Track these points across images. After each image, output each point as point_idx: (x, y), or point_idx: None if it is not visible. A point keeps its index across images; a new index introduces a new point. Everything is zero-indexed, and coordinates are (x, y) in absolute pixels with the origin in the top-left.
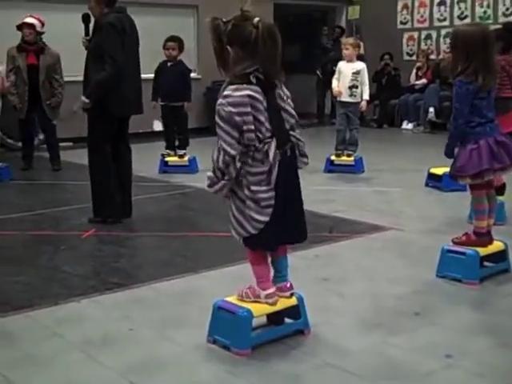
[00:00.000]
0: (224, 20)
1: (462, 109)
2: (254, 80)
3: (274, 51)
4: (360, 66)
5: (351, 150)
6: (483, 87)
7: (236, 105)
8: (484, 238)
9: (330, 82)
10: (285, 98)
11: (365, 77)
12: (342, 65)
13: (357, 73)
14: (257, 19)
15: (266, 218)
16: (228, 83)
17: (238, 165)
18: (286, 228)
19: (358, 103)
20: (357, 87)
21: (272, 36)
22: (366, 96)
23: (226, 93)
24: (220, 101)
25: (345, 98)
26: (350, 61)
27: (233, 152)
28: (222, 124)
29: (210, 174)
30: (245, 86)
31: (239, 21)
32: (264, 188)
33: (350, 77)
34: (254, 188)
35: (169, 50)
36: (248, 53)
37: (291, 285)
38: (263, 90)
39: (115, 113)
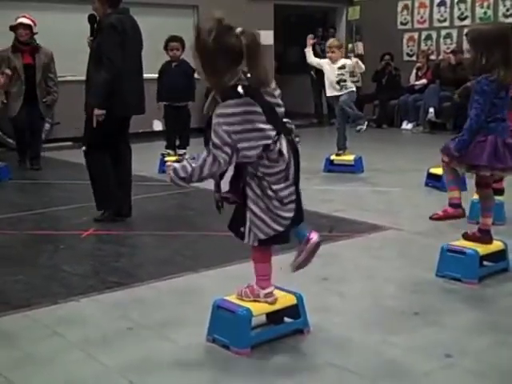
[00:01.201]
0: (206, 29)
1: (485, 106)
2: (241, 91)
3: (260, 60)
4: (343, 61)
5: (358, 124)
6: (502, 82)
7: (230, 124)
8: (459, 209)
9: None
10: (276, 93)
11: (352, 65)
12: (325, 64)
13: (342, 67)
14: (239, 29)
15: (290, 214)
16: (220, 99)
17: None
18: (296, 216)
19: (351, 92)
20: (345, 80)
21: (256, 45)
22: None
23: (219, 111)
24: (216, 120)
25: (336, 92)
26: (335, 60)
27: (222, 164)
28: (217, 142)
29: (188, 166)
30: (236, 101)
31: (221, 31)
32: (283, 185)
33: (336, 72)
34: (275, 187)
35: (173, 51)
36: (230, 63)
37: (314, 234)
38: (253, 97)
39: (116, 113)
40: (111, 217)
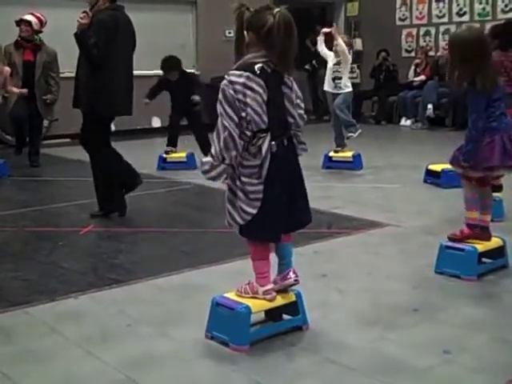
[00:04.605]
0: (251, 9)
1: (479, 113)
2: (258, 71)
3: (287, 43)
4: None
5: (349, 131)
6: (484, 89)
7: (236, 91)
8: (476, 229)
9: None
10: (292, 96)
11: (346, 57)
12: (329, 57)
13: (338, 63)
14: (277, 9)
15: (253, 211)
16: (235, 68)
17: (240, 148)
18: (287, 217)
19: (347, 93)
20: (340, 78)
21: (286, 26)
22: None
23: (229, 78)
24: (225, 82)
25: (330, 88)
26: (338, 56)
27: (233, 133)
28: (225, 105)
29: (207, 158)
30: (246, 74)
31: (262, 9)
32: (254, 181)
33: (332, 69)
34: (244, 179)
35: (174, 74)
36: (261, 40)
37: (294, 271)
38: (266, 83)
39: (103, 114)
40: (107, 214)
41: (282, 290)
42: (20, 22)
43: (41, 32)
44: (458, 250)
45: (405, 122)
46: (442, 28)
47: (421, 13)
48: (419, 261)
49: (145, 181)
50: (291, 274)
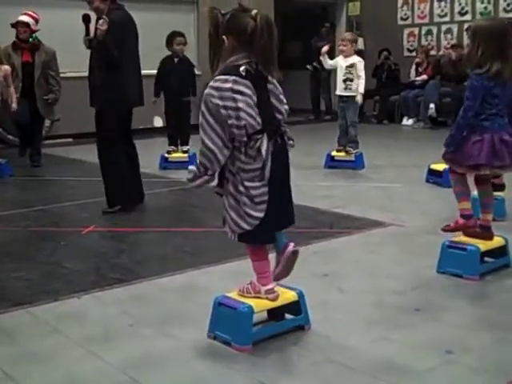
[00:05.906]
0: (222, 12)
1: (473, 102)
2: (243, 73)
3: (270, 44)
4: (355, 59)
5: (350, 146)
6: (498, 76)
7: (224, 98)
8: (471, 220)
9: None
10: (277, 92)
11: (360, 71)
12: (338, 62)
13: (351, 66)
14: (255, 11)
15: (260, 214)
16: (219, 73)
17: (222, 159)
18: (280, 217)
19: (354, 97)
20: (351, 80)
21: (269, 29)
22: (361, 89)
23: (215, 84)
24: (209, 91)
25: (340, 91)
26: (347, 56)
27: (211, 146)
28: (207, 115)
29: (192, 167)
30: (232, 78)
31: (237, 11)
32: (257, 184)
33: (344, 70)
34: (247, 184)
35: (180, 45)
36: (243, 44)
37: (291, 243)
38: (253, 84)
39: (118, 106)
40: (117, 210)
41: (285, 287)
42: (16, 25)
43: (38, 30)
44: (460, 250)
45: (407, 121)
46: (443, 27)
47: (422, 12)
48: (421, 260)
49: (147, 180)
50: (289, 243)
